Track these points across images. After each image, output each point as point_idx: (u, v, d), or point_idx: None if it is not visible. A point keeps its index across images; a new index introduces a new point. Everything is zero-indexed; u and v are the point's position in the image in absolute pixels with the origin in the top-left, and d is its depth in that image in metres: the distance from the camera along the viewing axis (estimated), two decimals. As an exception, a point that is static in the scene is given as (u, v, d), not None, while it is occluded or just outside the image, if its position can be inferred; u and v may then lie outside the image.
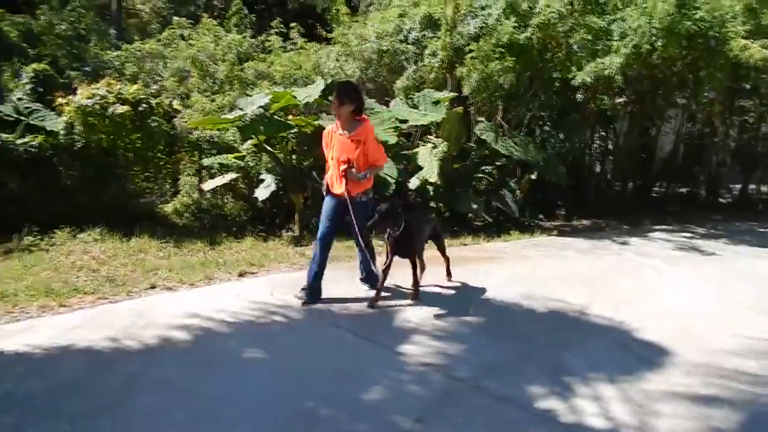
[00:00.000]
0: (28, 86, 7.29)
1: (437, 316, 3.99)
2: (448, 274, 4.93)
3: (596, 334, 3.85)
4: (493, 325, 3.92)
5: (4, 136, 6.42)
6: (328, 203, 4.24)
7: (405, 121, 7.63)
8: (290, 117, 7.37)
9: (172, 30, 11.71)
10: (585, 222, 9.13)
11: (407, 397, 2.78)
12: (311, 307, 4.11)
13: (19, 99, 7.11)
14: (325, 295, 4.36)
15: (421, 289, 4.38)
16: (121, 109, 6.38)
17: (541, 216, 8.88)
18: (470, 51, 7.95)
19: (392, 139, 7.20)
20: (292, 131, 7.06)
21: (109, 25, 13.14)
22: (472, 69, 7.83)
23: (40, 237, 6.05)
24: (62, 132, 6.50)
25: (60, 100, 6.54)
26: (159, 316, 3.75)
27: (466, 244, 6.86)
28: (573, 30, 7.97)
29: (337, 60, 9.84)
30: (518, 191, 8.25)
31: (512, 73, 7.93)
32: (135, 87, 6.91)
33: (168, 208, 7.51)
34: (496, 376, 3.04)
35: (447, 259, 4.93)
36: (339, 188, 4.09)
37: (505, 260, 6.05)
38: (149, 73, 10.40)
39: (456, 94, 8.11)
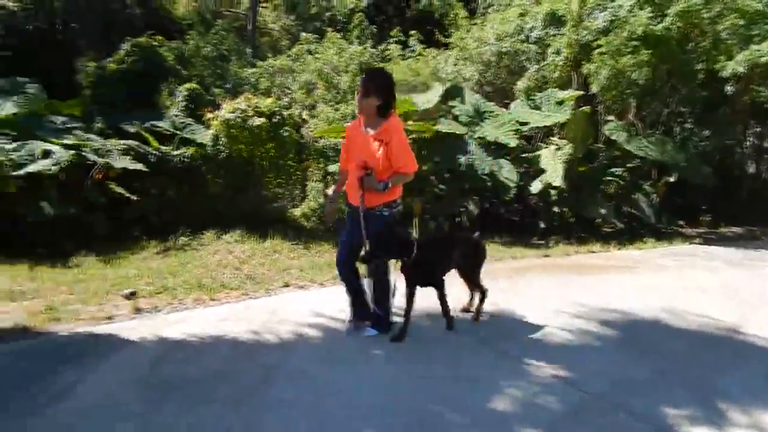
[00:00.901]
0: (182, 103, 8.31)
1: (565, 328, 3.81)
2: (477, 312, 3.91)
3: (753, 357, 3.41)
4: (627, 340, 3.65)
5: (163, 148, 7.37)
6: (347, 218, 3.54)
7: (526, 124, 7.42)
8: (409, 123, 7.53)
9: (301, 45, 12.55)
10: (735, 229, 8.12)
11: (536, 408, 2.69)
12: (432, 311, 4.13)
13: (175, 115, 8.12)
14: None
15: (536, 300, 4.18)
16: (258, 121, 6.99)
17: (680, 222, 8.08)
18: (598, 46, 7.49)
19: (513, 142, 7.05)
20: (410, 137, 7.20)
21: (245, 45, 14.44)
22: (601, 65, 7.37)
23: (191, 237, 6.83)
24: (209, 143, 7.28)
25: (209, 115, 7.34)
26: (292, 313, 4.03)
27: (593, 251, 6.45)
28: (721, 16, 7.14)
29: (455, 64, 9.85)
30: (654, 195, 7.58)
31: (647, 66, 7.32)
32: (269, 100, 7.53)
33: (297, 212, 8.05)
34: (633, 394, 2.83)
35: (481, 293, 3.91)
36: (355, 198, 3.36)
37: (639, 270, 5.59)
38: (280, 87, 11.24)
39: (582, 92, 7.70)
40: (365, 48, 11.72)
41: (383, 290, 3.58)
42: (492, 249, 6.41)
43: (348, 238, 3.51)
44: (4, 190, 5.95)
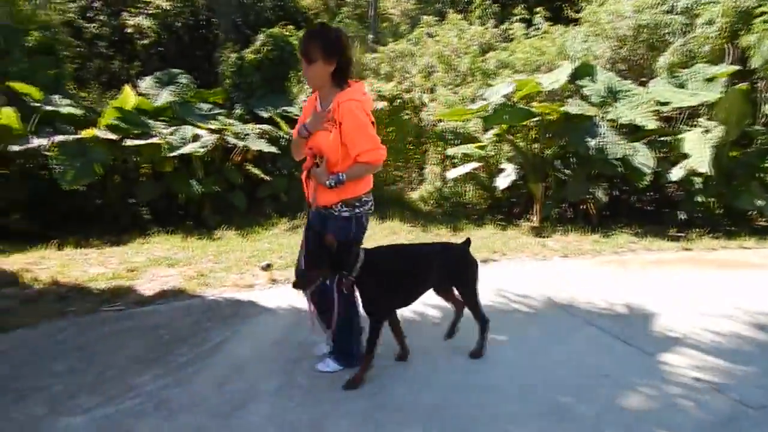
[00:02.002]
0: (309, 90, 8.75)
1: (709, 329, 3.45)
2: (479, 345, 3.03)
3: None
4: (791, 348, 3.21)
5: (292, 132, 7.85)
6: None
7: (667, 103, 6.74)
8: (534, 104, 7.22)
9: (420, 29, 12.55)
10: None
11: (676, 412, 2.49)
12: (558, 300, 3.98)
13: (303, 101, 8.58)
14: (571, 288, 4.20)
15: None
16: (379, 105, 7.16)
17: None
18: (763, 13, 6.53)
19: (651, 124, 6.47)
20: (534, 119, 6.91)
21: (367, 31, 14.79)
22: (764, 35, 6.43)
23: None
24: (334, 127, 7.62)
25: (334, 100, 7.68)
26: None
27: (746, 247, 5.74)
28: None
29: (585, 41, 9.20)
30: (828, 185, 6.51)
31: (827, 34, 6.24)
32: (391, 85, 7.67)
33: (414, 195, 8.17)
34: (801, 410, 2.49)
35: (481, 323, 3.00)
36: (311, 196, 2.66)
37: (805, 270, 4.87)
38: (400, 71, 11.36)
39: (738, 67, 6.79)
40: (486, 28, 11.40)
41: (341, 311, 2.65)
42: (622, 239, 6.00)
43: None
44: (163, 169, 6.77)
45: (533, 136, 7.20)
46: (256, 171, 7.48)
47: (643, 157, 6.42)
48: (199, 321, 3.54)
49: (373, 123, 2.56)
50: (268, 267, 4.75)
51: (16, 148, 6.09)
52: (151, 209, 7.40)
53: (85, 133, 6.36)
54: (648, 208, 7.45)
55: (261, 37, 8.73)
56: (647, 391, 2.68)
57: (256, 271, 4.71)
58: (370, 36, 14.63)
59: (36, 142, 6.19)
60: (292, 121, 8.26)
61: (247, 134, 7.33)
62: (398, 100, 7.44)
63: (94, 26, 14.57)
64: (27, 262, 4.98)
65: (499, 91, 7.15)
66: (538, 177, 6.96)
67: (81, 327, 3.45)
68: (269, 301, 3.95)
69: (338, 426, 2.38)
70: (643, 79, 7.90)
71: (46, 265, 4.92)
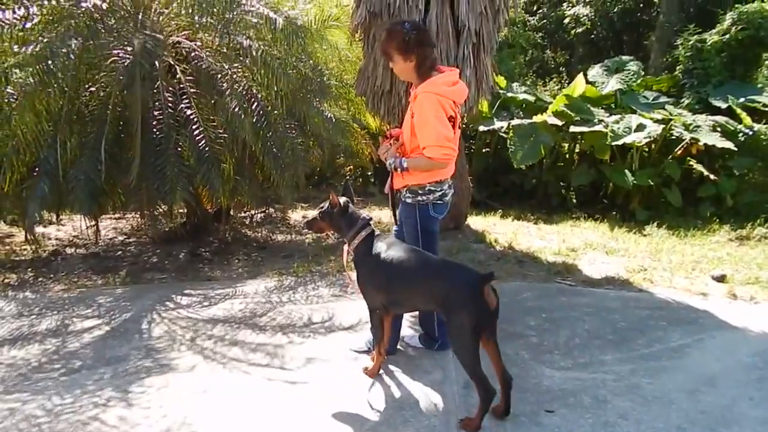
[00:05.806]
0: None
1: None
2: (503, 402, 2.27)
3: None
4: None
5: (758, 126, 6.62)
6: None
7: None
8: None
9: None
10: None
11: None
12: None
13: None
14: None
15: None
16: None
17: None
18: None
19: None
20: None
21: None
22: None
23: (774, 229, 6.01)
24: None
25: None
26: None
27: None
28: None
29: None
30: None
31: None
32: None
33: None
34: None
35: (499, 379, 2.25)
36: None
37: None
38: None
39: None
40: None
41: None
42: None
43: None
44: (601, 156, 6.88)
45: None
46: (699, 168, 6.71)
47: None
48: (651, 317, 3.46)
49: (451, 118, 2.55)
50: (722, 278, 4.22)
51: (482, 128, 7.30)
52: (576, 194, 7.70)
53: (537, 118, 7.04)
54: None
55: (730, 15, 7.58)
56: None
57: (706, 279, 4.27)
58: None
59: (497, 124, 7.26)
60: (757, 113, 6.99)
61: (698, 126, 6.60)
62: None
63: (535, 19, 15.88)
64: (485, 225, 5.99)
65: None
66: None
67: (540, 292, 3.91)
68: (730, 316, 3.51)
69: None
70: None
71: (498, 230, 5.80)
